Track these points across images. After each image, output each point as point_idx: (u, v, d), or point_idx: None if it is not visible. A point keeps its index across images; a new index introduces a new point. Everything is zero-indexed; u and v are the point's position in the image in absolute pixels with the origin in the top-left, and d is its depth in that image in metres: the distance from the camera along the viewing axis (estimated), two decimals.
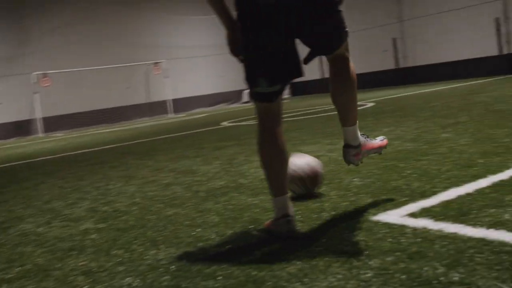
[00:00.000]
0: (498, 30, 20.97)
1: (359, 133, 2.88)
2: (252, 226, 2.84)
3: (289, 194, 2.66)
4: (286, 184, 2.60)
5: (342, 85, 2.73)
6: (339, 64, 2.69)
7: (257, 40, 2.48)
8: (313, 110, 12.70)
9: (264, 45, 2.47)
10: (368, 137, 3.01)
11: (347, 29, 2.60)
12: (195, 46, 27.62)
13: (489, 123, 5.80)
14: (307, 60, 2.59)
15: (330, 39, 2.58)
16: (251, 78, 2.54)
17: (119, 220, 3.47)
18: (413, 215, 2.60)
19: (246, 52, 2.55)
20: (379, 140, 3.09)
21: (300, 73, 2.56)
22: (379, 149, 3.07)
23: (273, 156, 2.58)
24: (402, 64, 24.69)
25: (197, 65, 27.89)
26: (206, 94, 28.24)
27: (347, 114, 2.79)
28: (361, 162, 2.98)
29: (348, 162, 2.92)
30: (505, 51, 20.98)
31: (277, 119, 2.59)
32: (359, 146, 2.86)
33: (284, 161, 2.61)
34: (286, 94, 2.52)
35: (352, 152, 2.85)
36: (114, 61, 24.94)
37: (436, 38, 23.12)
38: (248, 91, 2.61)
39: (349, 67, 2.71)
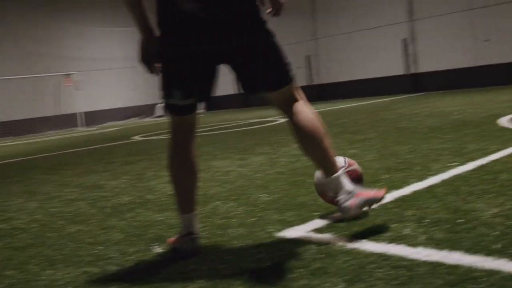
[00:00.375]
0: (405, 50, 21.95)
1: (345, 180, 2.43)
2: (156, 244, 2.75)
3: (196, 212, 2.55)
4: (194, 201, 2.51)
5: (302, 140, 2.45)
6: (290, 112, 2.44)
7: (177, 51, 2.36)
8: (227, 125, 12.71)
9: (183, 57, 2.35)
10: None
11: (290, 72, 2.45)
12: (107, 59, 27.07)
13: (394, 139, 6.01)
14: (249, 91, 2.49)
15: (267, 77, 2.43)
16: (166, 89, 2.43)
17: (16, 238, 3.28)
18: (318, 230, 2.61)
19: (164, 61, 2.42)
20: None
21: (209, 97, 2.47)
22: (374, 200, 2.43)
23: (184, 171, 2.48)
24: (316, 81, 25.31)
25: (109, 78, 27.33)
26: (118, 108, 27.68)
27: (321, 165, 2.47)
28: (364, 211, 2.50)
29: (344, 212, 2.42)
30: (411, 71, 21.98)
31: (190, 134, 2.49)
32: (349, 193, 2.40)
33: (194, 178, 2.51)
34: (201, 108, 2.33)
35: (344, 198, 2.39)
36: (22, 71, 23.97)
37: (349, 56, 23.91)
38: (162, 103, 2.51)
39: (303, 115, 2.42)
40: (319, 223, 2.74)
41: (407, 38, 21.92)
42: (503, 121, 6.77)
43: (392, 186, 3.43)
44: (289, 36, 25.37)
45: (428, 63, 21.55)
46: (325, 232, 2.55)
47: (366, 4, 22.99)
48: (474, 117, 7.66)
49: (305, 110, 2.44)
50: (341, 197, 2.40)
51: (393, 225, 2.53)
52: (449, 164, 3.99)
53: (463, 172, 3.65)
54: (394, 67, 22.33)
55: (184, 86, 2.39)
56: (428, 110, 10.21)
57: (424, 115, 9.01)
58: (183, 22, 2.32)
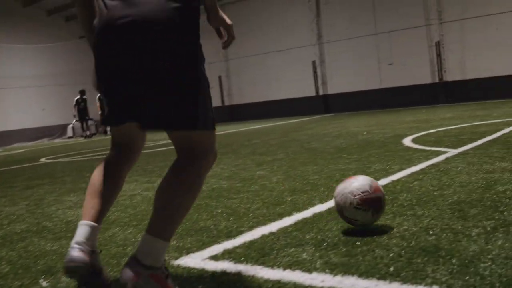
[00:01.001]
0: (315, 72, 22.51)
1: (163, 257, 1.98)
2: (43, 277, 2.57)
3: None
4: (99, 214, 2.20)
5: (174, 186, 2.00)
6: (182, 157, 2.06)
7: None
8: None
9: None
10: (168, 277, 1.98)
11: (200, 115, 2.01)
12: (15, 77, 25.93)
13: (303, 160, 6.06)
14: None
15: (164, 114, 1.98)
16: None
17: None
18: (215, 257, 2.52)
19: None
20: None
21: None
22: None
23: (104, 177, 2.25)
24: (227, 102, 25.41)
25: (17, 97, 26.14)
26: (27, 128, 26.49)
27: (164, 222, 1.97)
28: None
29: (121, 278, 1.92)
30: (321, 92, 22.54)
31: (127, 149, 2.33)
32: (150, 269, 1.91)
33: (111, 190, 2.27)
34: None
35: (134, 269, 1.90)
36: None
37: (260, 77, 24.22)
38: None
39: (194, 169, 2.03)
40: (216, 249, 2.65)
41: (315, 60, 22.49)
42: (407, 141, 7.02)
43: (295, 208, 3.42)
44: None
45: (336, 85, 22.20)
46: (222, 260, 2.47)
47: (277, 26, 23.45)
48: (379, 138, 7.90)
49: (201, 162, 2.06)
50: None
51: (291, 250, 2.48)
52: None
53: None
54: (305, 88, 22.84)
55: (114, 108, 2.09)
56: (337, 130, 10.46)
57: (333, 136, 9.20)
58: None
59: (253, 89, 24.57)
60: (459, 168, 4.32)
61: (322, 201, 3.59)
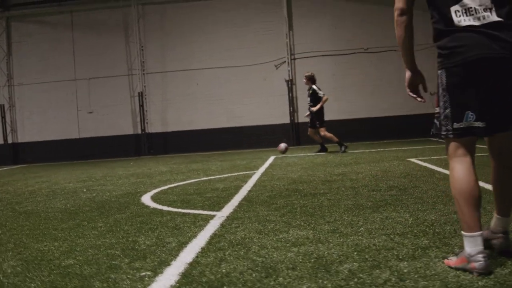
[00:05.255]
0: (3, 117, 19.97)
1: None
2: None
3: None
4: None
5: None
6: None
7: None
8: None
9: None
10: None
11: None
12: None
13: (29, 231, 4.58)
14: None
15: None
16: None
17: None
18: None
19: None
20: None
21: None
22: None
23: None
24: None
25: None
26: None
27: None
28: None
29: None
30: (9, 141, 20.05)
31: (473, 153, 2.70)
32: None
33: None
34: None
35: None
36: None
37: None
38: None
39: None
40: None
41: (4, 104, 20.01)
42: (148, 201, 6.06)
43: None
44: None
45: (29, 133, 20.02)
46: None
47: None
48: (109, 196, 6.74)
49: None
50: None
51: None
52: None
53: None
54: None
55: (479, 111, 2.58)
56: (47, 186, 8.87)
57: (46, 194, 7.64)
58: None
59: None
60: (254, 239, 3.55)
61: None
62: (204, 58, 19.16)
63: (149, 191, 7.02)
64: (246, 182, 7.42)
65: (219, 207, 5.17)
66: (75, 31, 19.91)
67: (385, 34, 18.50)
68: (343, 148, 12.64)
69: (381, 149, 13.49)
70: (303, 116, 16.84)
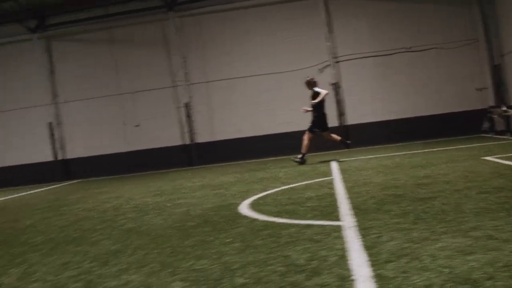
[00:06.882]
0: (52, 134, 20.22)
1: None
2: None
3: None
4: None
5: None
6: None
7: None
8: None
9: None
10: None
11: None
12: None
13: (153, 258, 4.58)
14: None
15: None
16: None
17: None
18: None
19: None
20: None
21: None
22: None
23: None
24: None
25: None
26: None
27: None
28: None
29: None
30: (60, 157, 20.28)
31: None
32: None
33: None
34: None
35: None
36: None
37: None
38: None
39: None
40: None
41: (52, 122, 20.26)
42: (246, 211, 6.03)
43: None
44: None
45: (77, 148, 20.24)
46: None
47: (3, 83, 20.63)
48: (204, 209, 6.73)
49: None
50: None
51: None
52: None
53: None
54: (41, 152, 20.31)
55: None
56: (125, 201, 8.91)
57: (132, 210, 7.67)
58: None
59: None
60: (414, 249, 3.47)
61: None
62: (246, 66, 19.20)
63: (240, 203, 6.99)
64: (332, 189, 7.34)
65: (333, 217, 5.11)
66: (116, 46, 20.10)
67: (428, 32, 18.34)
68: (301, 160, 12.66)
69: (440, 148, 13.32)
70: (351, 118, 16.85)
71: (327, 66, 18.94)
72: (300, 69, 18.72)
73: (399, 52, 18.69)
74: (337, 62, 18.92)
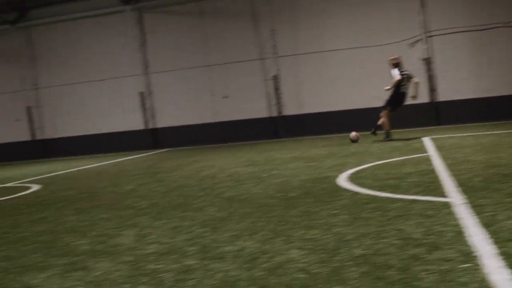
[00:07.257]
0: (143, 104, 20.87)
1: None
2: None
3: None
4: None
5: None
6: None
7: None
8: None
9: None
10: None
11: None
12: None
13: (274, 226, 4.68)
14: None
15: None
16: None
17: None
18: None
19: None
20: None
21: None
22: None
23: None
24: (39, 136, 22.42)
25: None
26: None
27: None
28: None
29: None
30: (150, 126, 20.94)
31: None
32: None
33: None
34: None
35: None
36: None
37: (77, 109, 21.81)
38: None
39: None
40: None
41: (144, 91, 20.90)
42: (346, 184, 6.03)
43: None
44: (5, 85, 22.28)
45: (166, 118, 20.81)
46: None
47: (97, 55, 21.43)
48: (301, 181, 6.78)
49: None
50: None
51: None
52: None
53: None
54: (131, 122, 21.05)
55: None
56: (219, 171, 9.12)
57: (229, 180, 7.85)
58: None
59: (68, 122, 21.98)
60: None
61: None
62: (335, 39, 18.92)
63: (337, 175, 6.99)
64: (430, 165, 7.19)
65: (439, 193, 5.02)
66: (205, 19, 20.33)
67: None
68: (387, 138, 12.65)
69: None
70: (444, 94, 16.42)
71: (418, 40, 18.36)
72: (389, 44, 18.26)
73: (496, 27, 17.83)
74: (430, 36, 18.30)
